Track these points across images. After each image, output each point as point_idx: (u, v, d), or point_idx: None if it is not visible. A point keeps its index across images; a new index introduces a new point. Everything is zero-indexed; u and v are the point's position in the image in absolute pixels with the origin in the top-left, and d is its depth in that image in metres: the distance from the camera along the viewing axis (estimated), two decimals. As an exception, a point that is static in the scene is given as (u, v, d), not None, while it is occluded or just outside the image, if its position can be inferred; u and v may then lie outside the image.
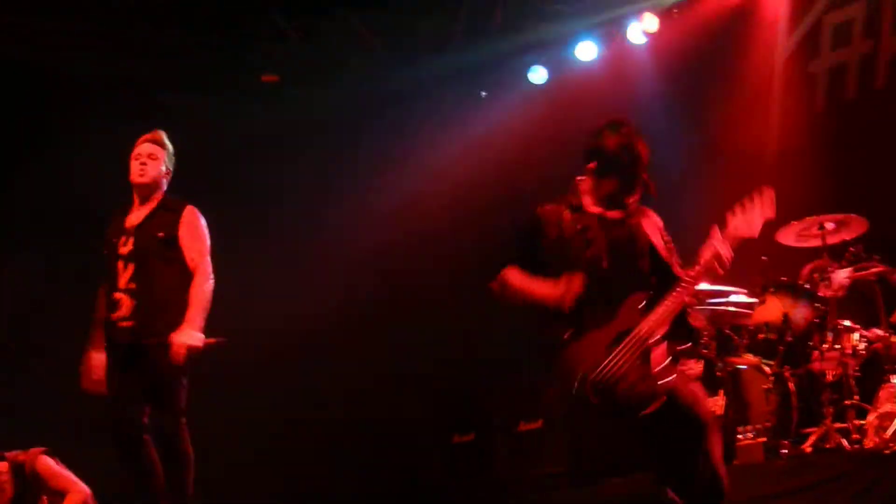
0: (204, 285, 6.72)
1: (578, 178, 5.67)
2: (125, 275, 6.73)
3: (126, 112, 10.52)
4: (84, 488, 8.00)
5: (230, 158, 11.92)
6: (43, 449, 8.13)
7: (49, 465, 8.03)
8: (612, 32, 11.49)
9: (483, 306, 12.03)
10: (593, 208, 5.57)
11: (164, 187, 7.04)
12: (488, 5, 11.32)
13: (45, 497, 8.07)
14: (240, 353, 10.99)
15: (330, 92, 12.02)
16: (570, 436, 10.46)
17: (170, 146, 7.09)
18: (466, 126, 12.19)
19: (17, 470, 8.02)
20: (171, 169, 7.09)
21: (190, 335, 6.58)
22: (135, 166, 6.94)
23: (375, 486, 11.59)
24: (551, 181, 6.52)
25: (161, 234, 6.79)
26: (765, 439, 8.22)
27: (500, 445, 11.18)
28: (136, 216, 6.92)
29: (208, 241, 6.90)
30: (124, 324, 6.69)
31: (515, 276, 5.50)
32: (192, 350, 6.57)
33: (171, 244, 6.80)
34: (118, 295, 6.71)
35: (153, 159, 6.95)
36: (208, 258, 6.84)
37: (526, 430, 10.92)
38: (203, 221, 6.96)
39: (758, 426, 8.35)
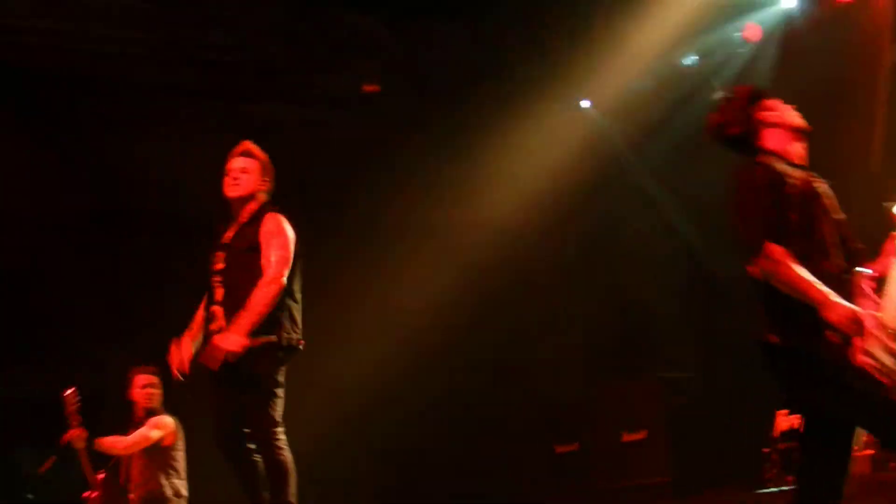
0: (265, 289, 6.57)
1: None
2: (219, 290, 6.72)
3: (227, 125, 10.67)
4: None
5: (330, 168, 12.01)
6: None
7: None
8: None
9: (591, 313, 12.17)
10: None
11: (263, 198, 6.95)
12: (588, 12, 11.22)
13: None
14: (342, 356, 11.25)
15: (429, 101, 12.05)
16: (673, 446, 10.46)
17: (263, 156, 7.01)
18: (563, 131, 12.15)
19: None
20: (270, 179, 7.00)
21: (228, 339, 6.50)
22: (227, 181, 6.90)
23: (477, 494, 11.60)
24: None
25: (244, 246, 6.74)
26: (873, 452, 8.07)
27: (602, 455, 11.13)
28: (231, 231, 6.90)
29: (288, 247, 6.73)
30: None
31: (791, 266, 4.84)
32: (231, 354, 6.48)
33: (255, 254, 6.71)
34: (214, 308, 6.72)
35: (245, 173, 6.89)
36: (282, 263, 6.68)
37: (629, 441, 10.85)
38: (285, 227, 6.80)
39: (865, 437, 8.20)
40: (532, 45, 11.69)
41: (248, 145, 7.01)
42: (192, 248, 7.45)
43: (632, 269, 12.15)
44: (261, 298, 6.53)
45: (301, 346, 6.74)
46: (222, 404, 6.67)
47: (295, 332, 6.72)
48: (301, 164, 11.13)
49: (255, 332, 6.53)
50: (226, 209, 6.99)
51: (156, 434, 8.81)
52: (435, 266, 11.99)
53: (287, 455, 6.58)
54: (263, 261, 6.67)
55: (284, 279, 6.64)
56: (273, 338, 6.60)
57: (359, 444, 11.92)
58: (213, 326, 6.66)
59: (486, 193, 12.16)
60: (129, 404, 9.03)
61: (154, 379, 9.04)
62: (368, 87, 11.78)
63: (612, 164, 12.28)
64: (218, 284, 6.74)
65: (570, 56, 11.39)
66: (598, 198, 12.32)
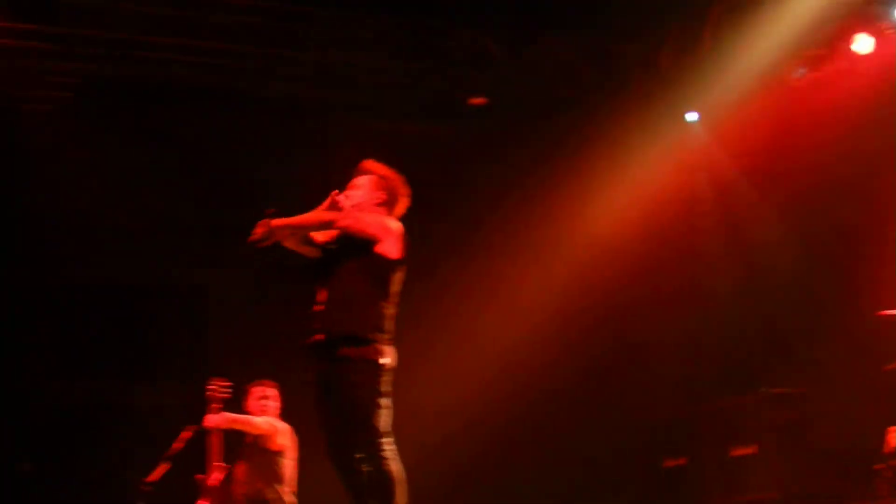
0: (322, 216, 6.80)
1: None
2: (324, 289, 6.72)
3: (339, 138, 10.81)
4: None
5: (441, 180, 12.11)
6: None
7: None
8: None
9: (701, 328, 12.10)
10: None
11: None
12: (696, 26, 11.19)
13: None
14: (452, 365, 11.33)
15: (538, 114, 12.10)
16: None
17: (380, 170, 7.02)
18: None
19: None
20: (387, 190, 6.96)
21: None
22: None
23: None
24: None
25: (336, 245, 6.81)
26: None
27: (711, 470, 11.04)
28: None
29: (375, 225, 6.73)
30: (316, 336, 6.67)
31: None
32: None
33: (362, 249, 6.72)
34: (314, 307, 6.71)
35: (353, 188, 6.91)
36: (358, 218, 6.75)
37: (738, 456, 10.76)
38: (388, 221, 6.82)
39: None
40: (641, 59, 11.72)
41: (363, 164, 7.02)
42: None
43: (742, 284, 12.04)
44: (316, 215, 6.75)
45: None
46: (329, 416, 6.69)
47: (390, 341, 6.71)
48: (414, 176, 11.24)
49: (356, 343, 6.58)
50: None
51: (261, 423, 8.95)
52: (543, 280, 12.03)
53: (394, 466, 6.55)
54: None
55: (343, 224, 6.71)
56: (372, 350, 6.59)
57: (464, 458, 11.97)
58: (313, 328, 6.67)
59: (595, 207, 12.16)
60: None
61: (271, 391, 9.21)
62: (475, 100, 11.86)
63: (720, 177, 12.21)
64: (322, 283, 6.76)
65: (678, 69, 11.40)
66: (706, 211, 12.25)
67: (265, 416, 9.08)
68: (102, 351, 11.82)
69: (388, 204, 6.95)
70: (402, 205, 7.01)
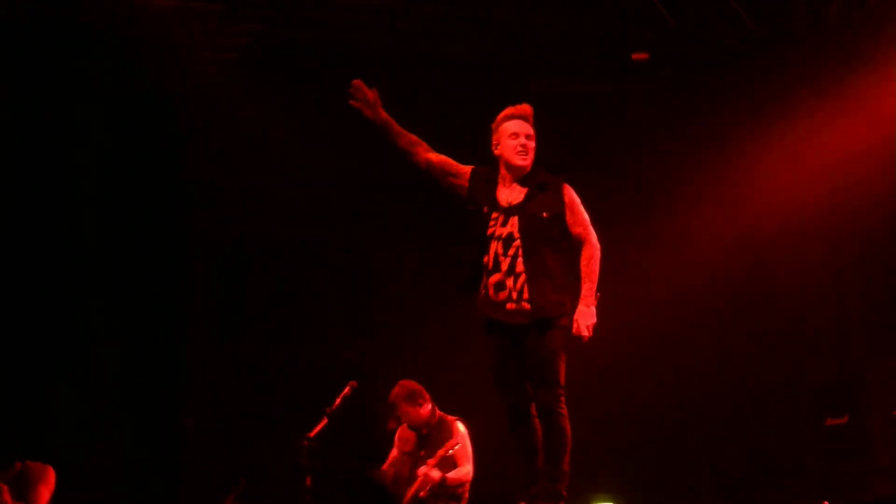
0: (595, 256, 6.75)
1: None
2: (508, 256, 6.72)
3: (497, 97, 10.85)
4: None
5: (601, 140, 12.10)
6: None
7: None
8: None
9: (869, 287, 11.76)
10: None
11: None
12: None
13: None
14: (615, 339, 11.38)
15: (705, 72, 11.94)
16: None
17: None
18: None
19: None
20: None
21: (590, 313, 6.67)
22: (514, 146, 6.83)
23: (740, 464, 11.59)
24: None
25: (545, 215, 6.73)
26: None
27: (876, 429, 10.88)
28: (512, 194, 6.85)
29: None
30: (513, 305, 6.70)
31: None
32: (592, 327, 6.66)
33: (555, 223, 6.76)
34: (501, 277, 6.72)
35: (531, 139, 6.85)
36: (592, 229, 6.82)
37: (905, 416, 10.59)
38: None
39: None
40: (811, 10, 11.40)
41: (530, 109, 6.95)
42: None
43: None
44: (595, 266, 6.73)
45: None
46: (514, 372, 6.79)
47: None
48: (573, 136, 11.31)
49: (560, 291, 6.74)
50: (487, 169, 6.99)
51: (469, 471, 9.11)
52: (708, 238, 11.94)
53: (568, 423, 6.70)
54: (572, 228, 6.78)
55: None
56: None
57: (630, 418, 12.07)
58: (503, 296, 6.72)
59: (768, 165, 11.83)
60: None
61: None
62: (638, 55, 11.75)
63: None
64: (503, 249, 6.73)
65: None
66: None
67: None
68: (265, 311, 12.19)
69: None
70: None
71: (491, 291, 6.75)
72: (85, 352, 11.16)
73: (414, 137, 7.02)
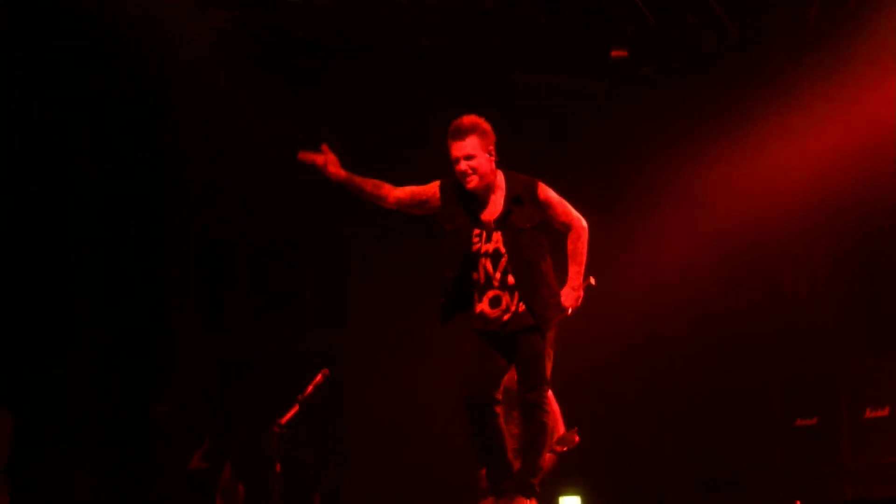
0: (583, 237, 6.72)
1: None
2: (499, 271, 6.67)
3: (475, 88, 10.89)
4: None
5: (580, 136, 12.12)
6: None
7: None
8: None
9: (840, 290, 11.80)
10: None
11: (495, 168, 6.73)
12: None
13: None
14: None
15: (683, 71, 11.98)
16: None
17: (485, 127, 6.67)
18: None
19: None
20: (492, 143, 6.69)
21: (574, 296, 6.68)
22: (458, 173, 6.65)
23: (711, 466, 11.62)
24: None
25: (528, 226, 6.66)
26: None
27: (845, 431, 10.92)
28: (489, 208, 6.73)
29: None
30: (509, 317, 6.66)
31: None
32: (575, 308, 6.68)
33: (539, 229, 6.70)
34: (496, 292, 6.66)
35: (472, 158, 6.59)
36: (577, 213, 6.75)
37: (873, 418, 10.64)
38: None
39: None
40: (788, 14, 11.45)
41: (467, 122, 6.66)
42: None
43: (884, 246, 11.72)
44: (584, 246, 6.69)
45: None
46: (486, 371, 6.73)
47: None
48: (555, 132, 11.30)
49: (556, 295, 6.70)
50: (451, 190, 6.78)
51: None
52: (694, 234, 11.99)
53: (549, 420, 6.71)
54: (555, 221, 6.72)
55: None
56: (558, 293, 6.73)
57: (596, 416, 12.07)
58: (499, 310, 6.66)
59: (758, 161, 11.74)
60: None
61: None
62: (617, 52, 11.76)
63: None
64: (491, 264, 6.66)
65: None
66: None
67: None
68: (243, 298, 12.18)
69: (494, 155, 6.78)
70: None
71: (486, 307, 6.70)
72: (62, 341, 11.16)
73: (376, 181, 6.79)
